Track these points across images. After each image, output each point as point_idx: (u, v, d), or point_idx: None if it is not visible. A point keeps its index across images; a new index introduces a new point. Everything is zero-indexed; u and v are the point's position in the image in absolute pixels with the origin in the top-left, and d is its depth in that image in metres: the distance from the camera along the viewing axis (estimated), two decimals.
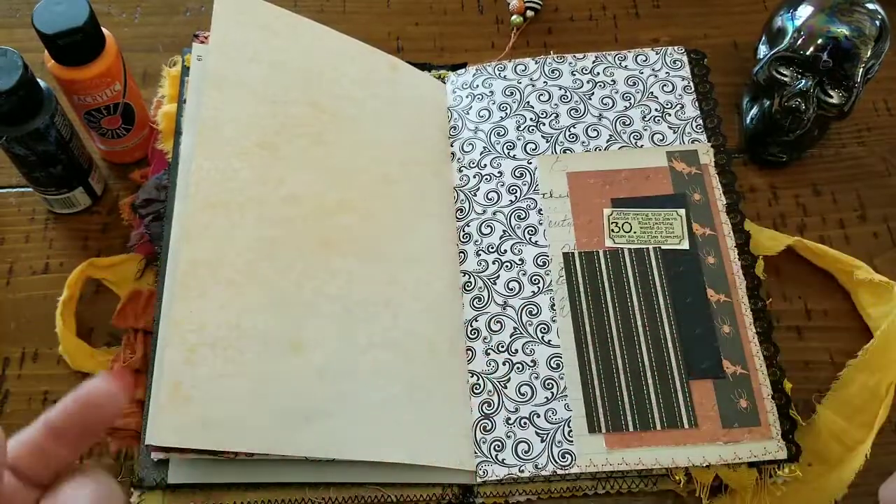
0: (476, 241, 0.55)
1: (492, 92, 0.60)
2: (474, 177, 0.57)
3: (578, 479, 0.49)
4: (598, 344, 0.51)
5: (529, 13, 0.68)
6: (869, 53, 0.57)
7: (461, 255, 0.55)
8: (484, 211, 0.56)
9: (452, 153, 0.59)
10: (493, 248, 0.54)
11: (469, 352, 0.52)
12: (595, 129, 0.58)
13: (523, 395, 0.50)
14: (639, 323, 0.52)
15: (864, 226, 0.60)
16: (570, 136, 0.58)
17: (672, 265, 0.53)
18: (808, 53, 0.57)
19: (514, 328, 0.52)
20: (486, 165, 0.57)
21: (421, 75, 0.61)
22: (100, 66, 0.53)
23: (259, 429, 0.44)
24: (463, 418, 0.50)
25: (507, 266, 0.54)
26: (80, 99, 0.55)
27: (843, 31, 0.56)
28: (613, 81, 0.60)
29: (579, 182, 0.56)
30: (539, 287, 0.53)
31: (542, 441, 0.49)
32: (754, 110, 0.62)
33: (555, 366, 0.51)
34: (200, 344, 0.45)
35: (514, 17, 0.68)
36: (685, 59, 0.61)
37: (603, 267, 0.53)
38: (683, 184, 0.56)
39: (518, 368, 0.51)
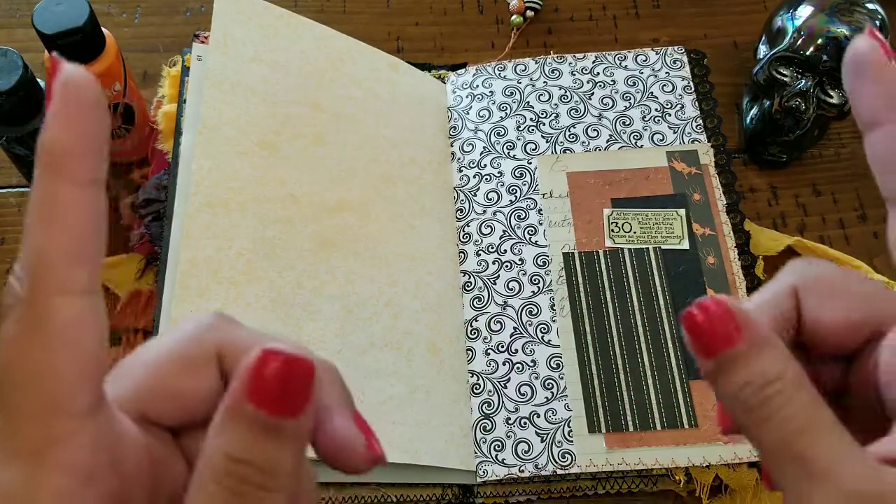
0: (476, 241, 0.55)
1: (492, 92, 0.60)
2: (474, 177, 0.57)
3: (578, 479, 0.49)
4: (598, 344, 0.51)
5: (529, 13, 0.68)
6: None
7: (461, 255, 0.55)
8: (484, 211, 0.56)
9: (452, 153, 0.59)
10: (493, 248, 0.54)
11: (469, 352, 0.52)
12: (595, 129, 0.58)
13: (523, 395, 0.50)
14: (639, 323, 0.52)
15: (864, 226, 0.60)
16: (570, 136, 0.58)
17: (672, 265, 0.53)
18: (808, 53, 0.57)
19: (514, 328, 0.52)
20: (486, 165, 0.57)
21: (421, 75, 0.61)
22: (100, 66, 0.53)
23: None
24: (463, 418, 0.50)
25: (507, 266, 0.54)
26: None
27: (843, 31, 0.56)
28: (613, 81, 0.60)
29: (579, 182, 0.56)
30: (539, 287, 0.53)
31: (542, 441, 0.49)
32: (754, 110, 0.62)
33: (555, 366, 0.51)
34: None
35: (514, 17, 0.68)
36: (685, 59, 0.61)
37: (603, 267, 0.53)
38: (683, 184, 0.56)
39: (518, 368, 0.51)
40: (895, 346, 0.23)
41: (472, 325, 0.52)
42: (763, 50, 0.62)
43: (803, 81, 0.58)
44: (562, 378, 0.50)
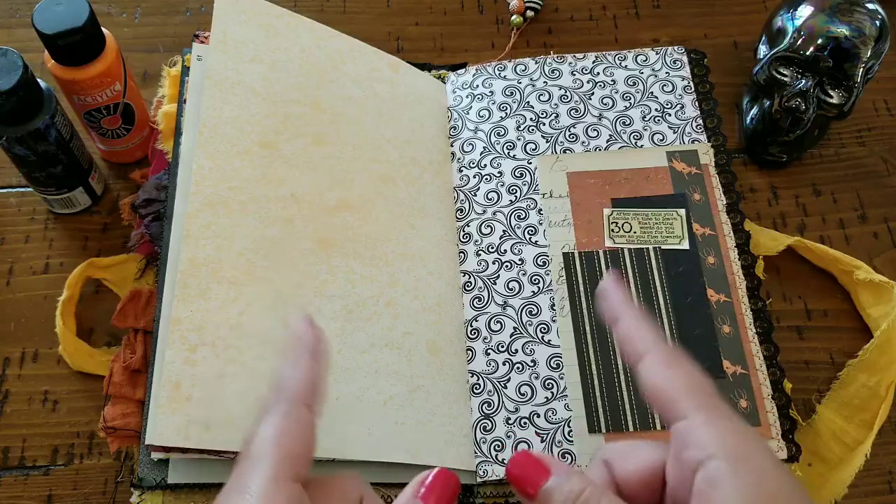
0: (476, 241, 0.55)
1: (492, 92, 0.60)
2: (474, 177, 0.57)
3: None
4: (598, 344, 0.51)
5: (529, 13, 0.68)
6: (869, 53, 0.57)
7: (461, 255, 0.55)
8: (484, 211, 0.56)
9: (452, 153, 0.59)
10: (493, 248, 0.55)
11: (469, 352, 0.52)
12: (595, 129, 0.58)
13: (523, 395, 0.50)
14: None
15: (864, 226, 0.60)
16: (570, 136, 0.58)
17: (672, 265, 0.53)
18: (808, 53, 0.57)
19: (514, 328, 0.52)
20: (486, 165, 0.57)
21: (421, 75, 0.61)
22: (100, 66, 0.53)
23: None
24: (463, 418, 0.50)
25: (507, 266, 0.54)
26: (80, 99, 0.55)
27: (843, 31, 0.56)
28: (613, 81, 0.60)
29: (579, 182, 0.56)
30: (539, 287, 0.53)
31: (542, 441, 0.49)
32: (754, 110, 0.62)
33: (555, 366, 0.51)
34: (200, 344, 0.45)
35: (514, 17, 0.68)
36: (685, 59, 0.61)
37: (603, 267, 0.53)
38: (683, 184, 0.56)
39: (518, 368, 0.51)
40: (707, 477, 0.30)
41: (472, 325, 0.52)
42: (763, 50, 0.62)
43: (803, 81, 0.58)
44: (562, 378, 0.50)
